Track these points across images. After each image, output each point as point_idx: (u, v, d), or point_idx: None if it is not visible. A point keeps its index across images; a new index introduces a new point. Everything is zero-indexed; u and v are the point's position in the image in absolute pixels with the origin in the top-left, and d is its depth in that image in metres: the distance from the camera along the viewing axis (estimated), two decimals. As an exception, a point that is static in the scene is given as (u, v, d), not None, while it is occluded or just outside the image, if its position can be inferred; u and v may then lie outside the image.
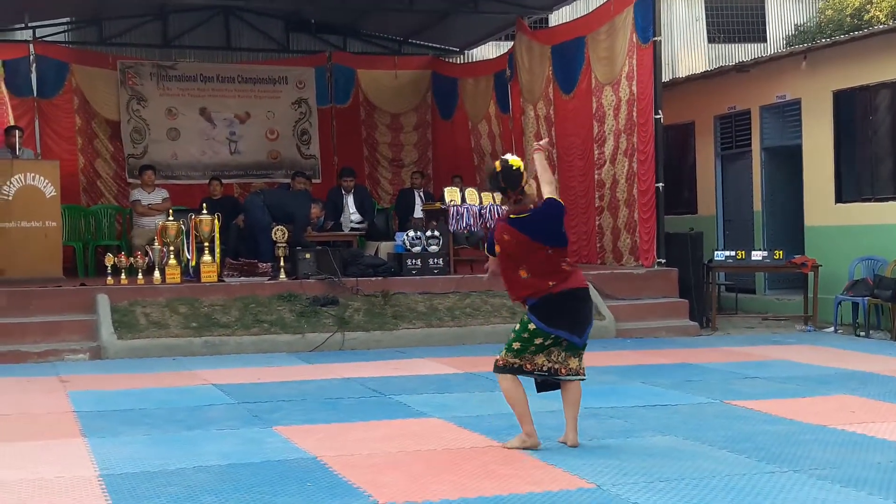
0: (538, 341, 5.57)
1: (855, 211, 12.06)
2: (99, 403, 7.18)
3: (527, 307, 5.60)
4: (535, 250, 5.53)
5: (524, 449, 5.53)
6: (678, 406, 6.89)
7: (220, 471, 5.14)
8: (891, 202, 11.61)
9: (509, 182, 5.52)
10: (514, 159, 5.57)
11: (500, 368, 5.64)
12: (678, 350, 9.90)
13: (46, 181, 11.26)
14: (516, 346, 5.61)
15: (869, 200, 11.97)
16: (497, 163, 5.61)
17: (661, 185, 11.72)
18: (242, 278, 10.90)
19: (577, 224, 13.56)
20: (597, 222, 12.98)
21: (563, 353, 5.62)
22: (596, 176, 12.93)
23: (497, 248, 5.63)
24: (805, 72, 12.64)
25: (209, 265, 10.70)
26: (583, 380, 5.68)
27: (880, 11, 16.92)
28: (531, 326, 5.55)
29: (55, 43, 15.52)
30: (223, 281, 10.74)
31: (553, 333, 5.52)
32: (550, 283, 5.53)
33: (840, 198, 12.35)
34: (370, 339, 10.16)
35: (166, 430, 6.23)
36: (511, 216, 5.59)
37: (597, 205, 12.94)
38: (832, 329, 11.42)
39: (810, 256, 12.07)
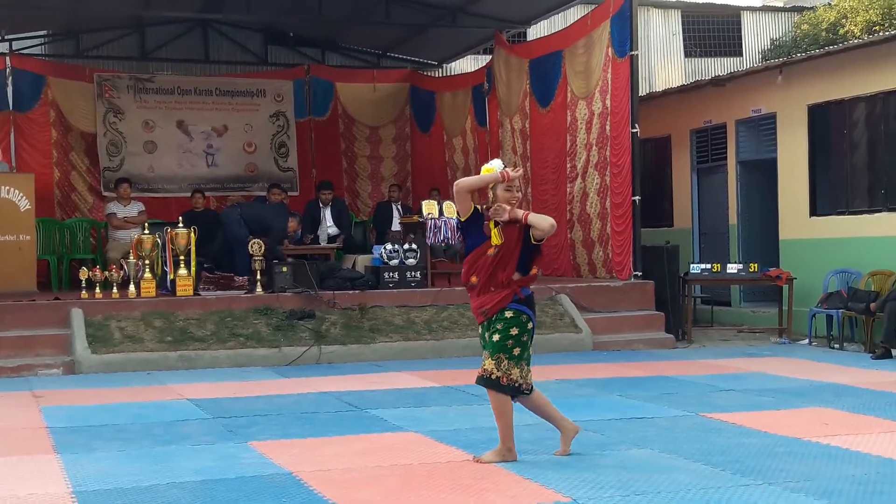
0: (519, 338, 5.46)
1: (829, 224, 12.15)
2: (72, 419, 7.11)
3: (522, 299, 5.46)
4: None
5: (500, 462, 5.51)
6: (654, 419, 6.91)
7: (195, 487, 5.11)
8: (865, 215, 11.72)
9: None
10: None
11: (500, 383, 5.45)
12: (654, 363, 9.93)
13: (21, 194, 11.17)
14: (517, 351, 5.44)
15: (843, 214, 12.07)
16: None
17: (637, 198, 11.77)
18: (219, 292, 10.85)
19: (549, 237, 13.59)
20: (569, 235, 13.02)
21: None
22: (568, 189, 12.98)
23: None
24: (780, 86, 12.75)
25: (185, 279, 10.65)
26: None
27: (855, 26, 17.08)
28: (531, 325, 5.50)
29: (32, 56, 15.45)
30: (199, 295, 10.69)
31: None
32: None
33: (815, 211, 12.45)
34: (347, 352, 10.13)
35: (140, 445, 6.18)
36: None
37: (568, 218, 12.98)
38: (807, 341, 11.50)
39: (785, 269, 12.15)
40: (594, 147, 12.36)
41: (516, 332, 5.44)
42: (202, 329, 10.06)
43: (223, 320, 10.21)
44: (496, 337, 5.44)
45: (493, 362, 5.44)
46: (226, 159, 15.93)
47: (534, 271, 5.58)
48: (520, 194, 5.64)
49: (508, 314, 5.43)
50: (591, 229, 12.53)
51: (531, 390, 5.56)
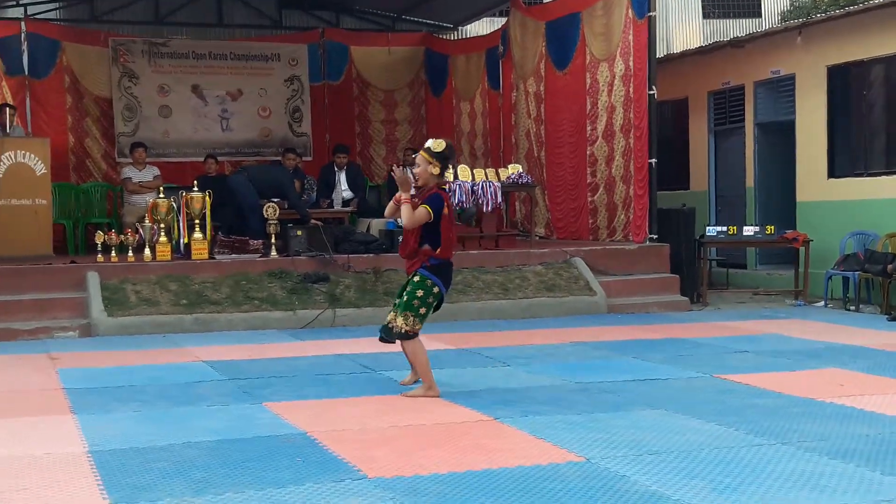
0: (432, 302, 6.32)
1: (847, 186, 12.05)
2: (89, 380, 7.17)
3: (427, 268, 6.26)
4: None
5: (427, 398, 6.29)
6: (669, 380, 6.91)
7: (210, 447, 5.14)
8: (883, 177, 11.61)
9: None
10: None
11: (412, 335, 6.28)
12: (669, 325, 9.92)
13: (37, 159, 11.20)
14: (423, 311, 6.28)
15: (861, 176, 11.96)
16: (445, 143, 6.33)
17: (654, 160, 11.70)
18: (233, 255, 10.88)
19: (564, 200, 13.57)
20: (589, 199, 12.95)
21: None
22: (588, 152, 12.90)
23: (446, 212, 6.29)
24: (800, 47, 12.61)
25: (200, 242, 10.67)
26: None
27: (875, -14, 16.82)
28: (436, 290, 6.29)
29: (47, 20, 15.42)
30: (214, 258, 10.72)
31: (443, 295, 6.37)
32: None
33: (832, 173, 12.34)
34: (361, 315, 10.15)
35: (156, 406, 6.22)
36: (443, 188, 6.38)
37: (589, 181, 12.90)
38: (822, 303, 11.44)
39: (802, 231, 12.07)
40: (618, 109, 12.24)
41: (422, 293, 6.28)
42: (217, 292, 10.09)
43: (238, 283, 10.24)
44: (406, 297, 6.31)
45: (402, 318, 6.28)
46: (240, 124, 15.90)
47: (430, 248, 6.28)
48: (434, 170, 6.28)
49: (416, 278, 6.30)
50: (615, 192, 12.44)
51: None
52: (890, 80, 11.62)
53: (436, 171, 6.24)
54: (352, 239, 11.31)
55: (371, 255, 11.00)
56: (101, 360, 8.14)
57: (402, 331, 6.27)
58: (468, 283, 10.78)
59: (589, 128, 12.86)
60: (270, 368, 7.59)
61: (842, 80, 12.31)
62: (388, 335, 6.38)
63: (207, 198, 10.76)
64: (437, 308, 6.43)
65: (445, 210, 6.25)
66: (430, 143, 6.36)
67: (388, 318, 6.38)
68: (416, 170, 6.33)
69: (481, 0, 15.59)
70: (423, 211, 6.18)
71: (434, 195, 6.24)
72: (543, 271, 11.15)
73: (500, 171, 12.24)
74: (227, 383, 7.00)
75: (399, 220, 6.35)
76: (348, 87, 16.75)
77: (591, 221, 12.97)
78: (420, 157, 6.30)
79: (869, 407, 5.86)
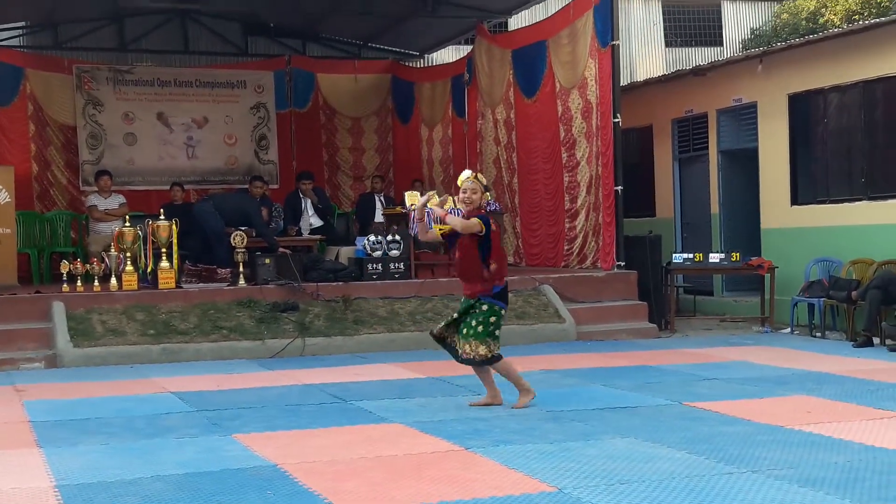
0: (502, 324, 6.87)
1: (810, 213, 12.21)
2: (55, 413, 7.07)
3: (492, 294, 6.74)
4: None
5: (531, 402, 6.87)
6: (638, 408, 6.93)
7: (179, 480, 5.08)
8: (845, 204, 11.78)
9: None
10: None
11: (498, 357, 6.83)
12: (638, 352, 9.97)
13: (0, 187, 11.08)
14: (497, 333, 6.83)
15: (824, 202, 12.13)
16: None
17: (619, 188, 11.80)
18: (201, 284, 10.81)
19: (541, 227, 13.63)
20: (567, 225, 12.99)
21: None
22: (567, 179, 12.95)
23: (495, 227, 6.77)
24: (761, 75, 12.80)
25: (167, 271, 10.59)
26: None
27: (835, 15, 17.15)
28: (503, 312, 6.83)
29: (10, 47, 15.32)
30: (181, 287, 10.64)
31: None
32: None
33: (796, 200, 12.51)
34: (331, 344, 10.11)
35: (124, 439, 6.15)
36: (484, 212, 6.80)
37: (567, 207, 12.96)
38: (788, 330, 11.56)
39: (767, 258, 12.20)
40: (594, 137, 12.32)
41: (494, 320, 6.81)
42: (185, 322, 10.02)
43: (206, 313, 10.17)
44: (480, 327, 6.78)
45: (484, 346, 6.76)
46: (206, 151, 15.85)
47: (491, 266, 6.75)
48: (475, 196, 6.78)
49: (485, 307, 6.79)
50: (589, 219, 12.51)
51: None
52: (850, 107, 11.82)
53: (485, 198, 6.82)
54: (320, 267, 11.29)
55: (340, 283, 10.98)
56: (67, 391, 8.04)
57: (488, 357, 6.80)
58: (438, 311, 10.77)
59: (565, 155, 12.94)
60: (239, 399, 7.53)
61: (803, 108, 12.51)
62: (473, 363, 6.85)
63: (174, 226, 10.69)
64: None
65: (494, 226, 6.76)
66: (470, 173, 6.88)
67: (461, 349, 6.83)
68: (463, 196, 6.77)
69: (447, 28, 15.70)
70: (476, 220, 6.66)
71: (482, 215, 6.75)
72: (513, 299, 11.09)
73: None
74: (196, 415, 6.94)
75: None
76: (315, 115, 16.76)
77: (566, 248, 13.02)
78: (474, 183, 6.77)
79: (836, 434, 5.92)
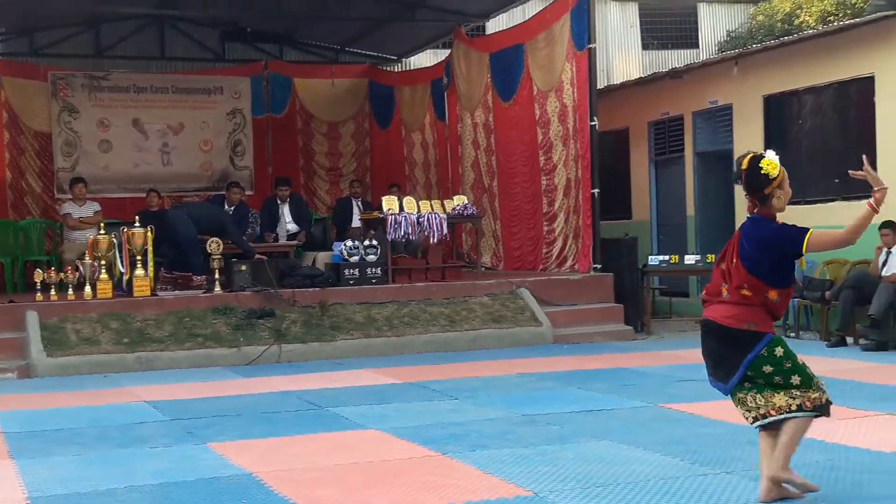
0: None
1: (784, 214, 12.19)
2: (28, 423, 7.01)
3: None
4: (729, 258, 4.77)
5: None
6: (614, 411, 6.95)
7: (153, 490, 5.05)
8: (819, 205, 11.84)
9: (749, 183, 4.67)
10: (768, 161, 4.61)
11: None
12: (614, 355, 10.00)
13: (-26, 196, 10.99)
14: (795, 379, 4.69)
15: (798, 204, 12.16)
16: (747, 158, 4.67)
17: (596, 191, 11.82)
18: (177, 292, 10.74)
19: (520, 230, 13.64)
20: (546, 228, 13.00)
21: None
22: (545, 182, 12.97)
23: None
24: (736, 77, 12.87)
25: (142, 279, 10.52)
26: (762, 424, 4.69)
27: (810, 17, 17.24)
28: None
29: (-15, 55, 15.23)
30: (156, 295, 10.57)
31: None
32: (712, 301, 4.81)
33: (771, 201, 12.54)
34: (308, 350, 10.08)
35: (98, 449, 6.10)
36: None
37: (545, 210, 12.97)
38: (765, 330, 11.59)
39: (743, 259, 12.23)
40: (571, 140, 12.34)
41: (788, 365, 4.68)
42: (160, 330, 9.95)
43: (181, 320, 10.11)
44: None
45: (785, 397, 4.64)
46: (181, 158, 15.78)
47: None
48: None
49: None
50: (569, 222, 12.53)
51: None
52: (825, 108, 11.91)
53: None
54: (297, 273, 11.25)
55: (317, 288, 10.95)
56: (40, 402, 7.98)
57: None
58: (415, 316, 10.77)
59: (542, 158, 12.96)
60: (215, 407, 7.49)
61: (778, 110, 12.58)
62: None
63: (149, 233, 10.62)
64: None
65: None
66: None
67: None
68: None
69: (425, 32, 15.71)
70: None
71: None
72: (490, 302, 11.19)
73: (445, 202, 12.29)
74: (171, 424, 6.90)
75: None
76: (292, 120, 16.71)
77: (545, 251, 13.03)
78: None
79: (811, 434, 5.87)
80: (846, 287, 10.32)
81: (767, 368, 4.61)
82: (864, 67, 11.15)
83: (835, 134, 11.74)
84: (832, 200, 11.68)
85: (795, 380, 4.64)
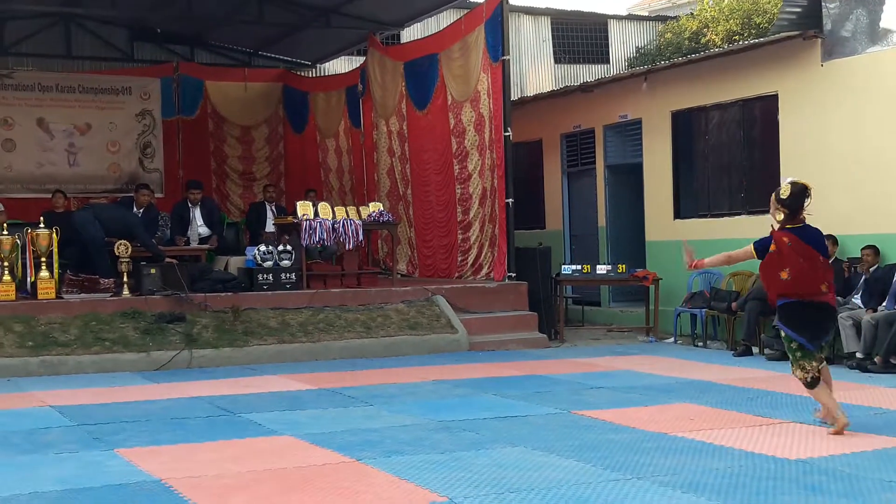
0: (795, 347, 6.34)
1: (692, 227, 12.58)
2: (-76, 429, 6.74)
3: (779, 318, 6.40)
4: (810, 257, 6.25)
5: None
6: (528, 417, 7.01)
7: (58, 497, 4.91)
8: (725, 218, 12.18)
9: (792, 204, 6.24)
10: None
11: (807, 381, 6.34)
12: (528, 362, 10.09)
13: None
14: (799, 355, 6.33)
15: (705, 216, 12.52)
16: (788, 187, 6.24)
17: (510, 200, 11.94)
18: (83, 295, 10.47)
19: (434, 238, 13.68)
20: (461, 236, 13.06)
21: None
22: (459, 191, 13.03)
23: (772, 248, 6.30)
24: (645, 93, 13.15)
25: (46, 281, 10.23)
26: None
27: (716, 35, 17.70)
28: (783, 334, 6.39)
29: None
30: (62, 298, 10.29)
31: (793, 338, 6.30)
32: (822, 289, 6.29)
33: (678, 214, 12.88)
34: (220, 356, 9.93)
35: (0, 455, 5.90)
36: (788, 226, 6.27)
37: (460, 219, 13.03)
38: (672, 340, 11.88)
39: (651, 270, 12.52)
40: (487, 149, 12.42)
41: (785, 345, 6.47)
42: (65, 334, 9.69)
43: (88, 324, 9.86)
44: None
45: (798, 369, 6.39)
46: (88, 159, 15.43)
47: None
48: (778, 216, 6.37)
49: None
50: (485, 230, 12.60)
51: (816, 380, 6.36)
52: (730, 124, 12.25)
53: (779, 216, 6.31)
54: (209, 277, 11.08)
55: (230, 293, 10.79)
56: (-63, 407, 7.68)
57: (804, 381, 6.37)
58: (330, 322, 10.70)
59: (457, 167, 13.02)
60: (122, 413, 7.32)
61: (685, 125, 12.90)
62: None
63: (54, 235, 10.34)
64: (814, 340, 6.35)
65: (772, 247, 6.30)
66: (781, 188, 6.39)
67: None
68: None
69: (339, 38, 15.65)
70: (743, 250, 6.58)
71: (766, 237, 6.42)
72: (405, 309, 11.19)
73: (361, 208, 12.26)
74: (76, 429, 6.71)
75: None
76: (203, 123, 16.48)
77: (460, 259, 13.08)
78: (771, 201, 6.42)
79: (718, 441, 6.09)
80: (751, 298, 10.62)
81: None
82: (769, 86, 11.51)
83: (740, 149, 12.09)
84: (737, 214, 12.02)
85: None
